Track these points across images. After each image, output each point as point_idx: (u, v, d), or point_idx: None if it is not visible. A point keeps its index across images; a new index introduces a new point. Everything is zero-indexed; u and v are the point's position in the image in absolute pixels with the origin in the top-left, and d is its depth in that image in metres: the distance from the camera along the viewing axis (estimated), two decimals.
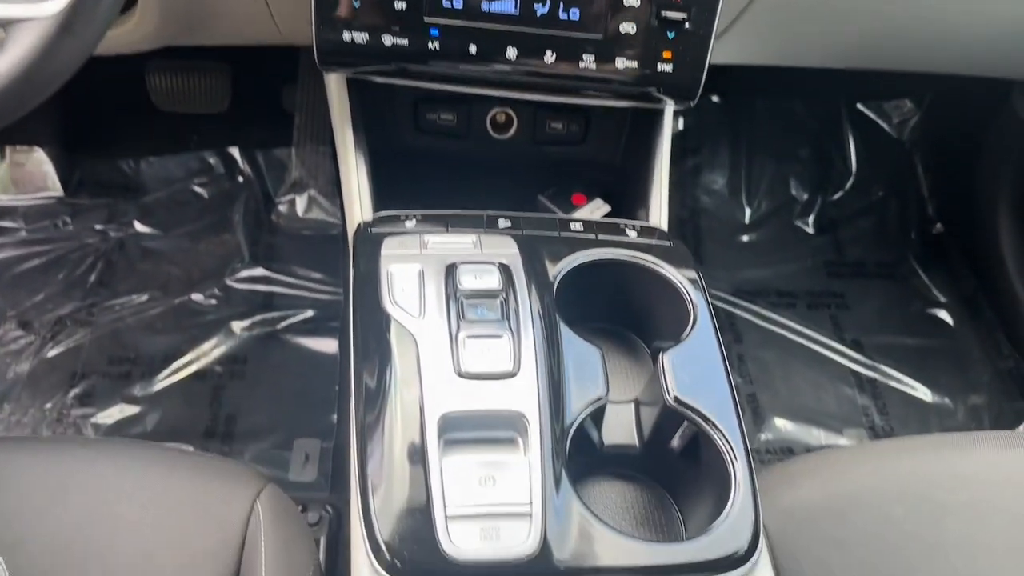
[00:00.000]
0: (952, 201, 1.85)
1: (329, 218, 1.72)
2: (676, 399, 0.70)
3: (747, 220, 1.87)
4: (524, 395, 0.68)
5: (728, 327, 1.69)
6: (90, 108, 1.75)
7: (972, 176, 1.77)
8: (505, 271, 0.77)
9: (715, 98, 1.90)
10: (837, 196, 1.88)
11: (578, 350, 0.73)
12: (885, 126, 1.89)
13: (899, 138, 1.89)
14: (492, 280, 0.76)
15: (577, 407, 0.69)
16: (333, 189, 1.73)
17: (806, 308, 1.73)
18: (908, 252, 1.84)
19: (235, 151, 1.80)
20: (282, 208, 1.75)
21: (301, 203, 1.75)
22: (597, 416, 0.72)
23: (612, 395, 0.74)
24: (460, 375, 0.69)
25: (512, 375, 0.69)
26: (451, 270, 0.77)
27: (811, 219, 1.87)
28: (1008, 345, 1.68)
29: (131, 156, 1.80)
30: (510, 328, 0.72)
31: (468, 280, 0.76)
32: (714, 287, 1.75)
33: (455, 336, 0.71)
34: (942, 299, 1.77)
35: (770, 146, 1.89)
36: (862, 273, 1.82)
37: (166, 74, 1.66)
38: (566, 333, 0.75)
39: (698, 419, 0.69)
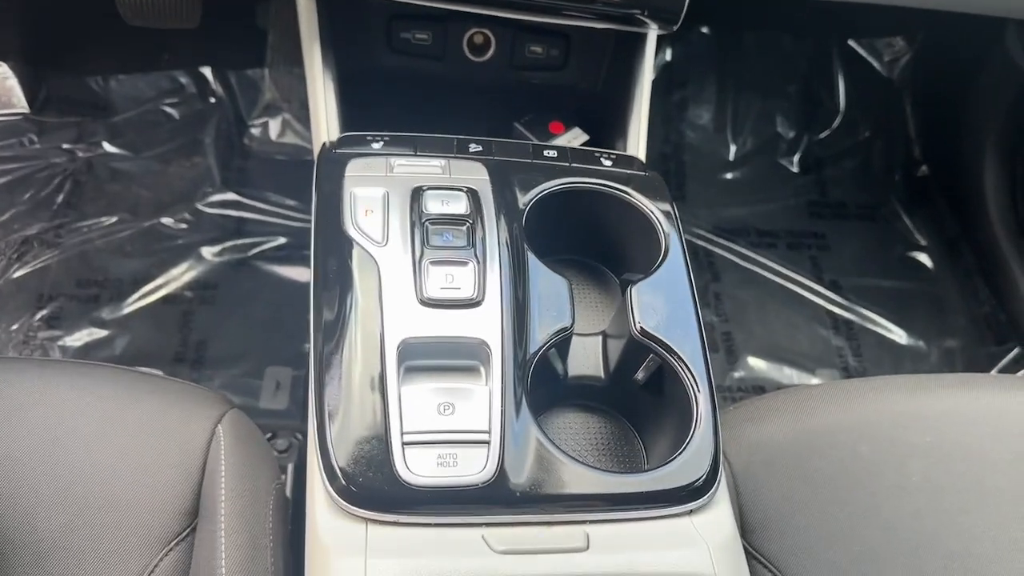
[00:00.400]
0: (939, 143, 1.82)
1: (303, 143, 1.67)
2: (642, 331, 0.68)
3: (731, 157, 1.84)
4: (487, 323, 0.66)
5: (707, 265, 1.68)
6: (57, 21, 1.68)
7: (960, 118, 1.74)
8: (473, 197, 0.75)
9: (704, 30, 1.85)
10: (823, 135, 1.85)
11: (545, 280, 0.72)
12: (876, 64, 1.85)
13: (889, 77, 1.85)
14: (459, 206, 0.74)
15: (541, 337, 0.68)
16: (307, 113, 1.68)
17: (786, 248, 1.72)
18: (891, 194, 1.82)
19: (207, 71, 1.74)
20: (255, 131, 1.71)
21: (274, 127, 1.70)
22: (562, 347, 0.71)
23: (579, 327, 0.72)
24: (422, 302, 0.67)
25: (476, 303, 0.67)
26: (417, 194, 0.74)
27: (796, 158, 1.85)
28: (986, 290, 1.68)
29: (100, 73, 1.74)
30: (476, 256, 0.70)
31: (434, 205, 0.73)
32: (695, 225, 1.73)
33: (418, 262, 0.69)
34: (923, 242, 1.76)
35: (758, 82, 1.85)
36: (844, 214, 1.80)
37: None
38: (534, 263, 0.73)
39: (663, 351, 0.68)
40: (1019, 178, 1.65)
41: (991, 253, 1.67)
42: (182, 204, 1.61)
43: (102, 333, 1.45)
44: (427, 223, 0.72)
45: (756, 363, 1.53)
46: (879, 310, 1.64)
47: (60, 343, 1.44)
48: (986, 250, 1.68)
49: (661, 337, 0.68)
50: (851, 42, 1.84)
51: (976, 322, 1.66)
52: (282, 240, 1.58)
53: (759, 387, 1.50)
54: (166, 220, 1.59)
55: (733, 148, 1.85)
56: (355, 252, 0.70)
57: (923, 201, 1.81)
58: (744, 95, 1.86)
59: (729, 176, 1.83)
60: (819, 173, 1.84)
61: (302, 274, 1.53)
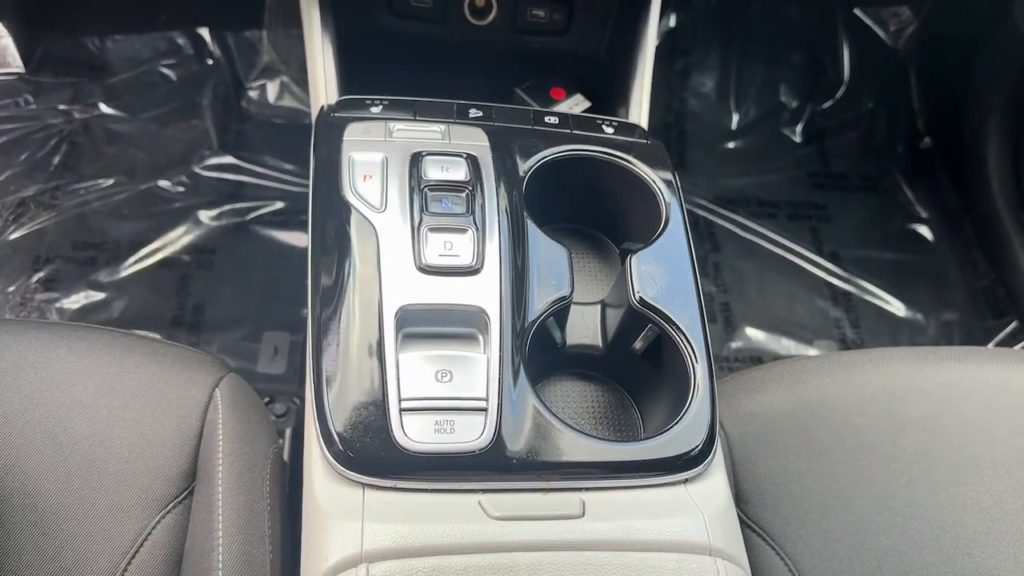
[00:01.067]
0: (942, 115, 1.81)
1: (301, 106, 1.66)
2: (641, 300, 0.68)
3: (734, 126, 1.82)
4: (486, 291, 0.66)
5: (707, 235, 1.67)
6: None
7: (965, 90, 1.72)
8: (473, 163, 0.74)
9: None
10: (827, 105, 1.84)
11: (545, 249, 0.71)
12: (881, 33, 1.83)
13: (894, 47, 1.83)
14: (459, 172, 0.73)
15: (540, 305, 0.67)
16: (306, 76, 1.66)
17: (787, 219, 1.71)
18: (893, 166, 1.81)
19: (204, 32, 1.72)
20: (252, 94, 1.69)
21: (272, 89, 1.68)
22: (561, 316, 0.71)
23: (578, 296, 0.72)
24: (421, 269, 0.67)
25: (475, 271, 0.67)
26: (416, 160, 0.73)
27: (799, 128, 1.83)
28: (985, 264, 1.67)
29: (96, 34, 1.72)
30: (475, 223, 0.70)
31: (434, 171, 0.73)
32: (696, 194, 1.72)
33: (417, 228, 0.68)
34: (924, 215, 1.75)
35: (762, 50, 1.83)
36: (845, 185, 1.79)
37: None
38: (533, 231, 0.72)
39: (661, 321, 0.68)
40: (1022, 152, 1.64)
41: (992, 227, 1.66)
42: (179, 167, 1.60)
43: (99, 296, 1.45)
44: (426, 189, 0.71)
45: (754, 334, 1.53)
46: (878, 282, 1.63)
47: (57, 305, 1.43)
48: (987, 224, 1.68)
49: (660, 307, 0.68)
50: (857, 11, 1.81)
51: (975, 295, 1.66)
52: (280, 204, 1.57)
53: (756, 358, 1.51)
54: (163, 183, 1.58)
55: (736, 117, 1.83)
56: (353, 218, 0.69)
57: (925, 173, 1.80)
58: (748, 63, 1.84)
59: (731, 145, 1.82)
60: (821, 144, 1.83)
61: (300, 239, 1.53)
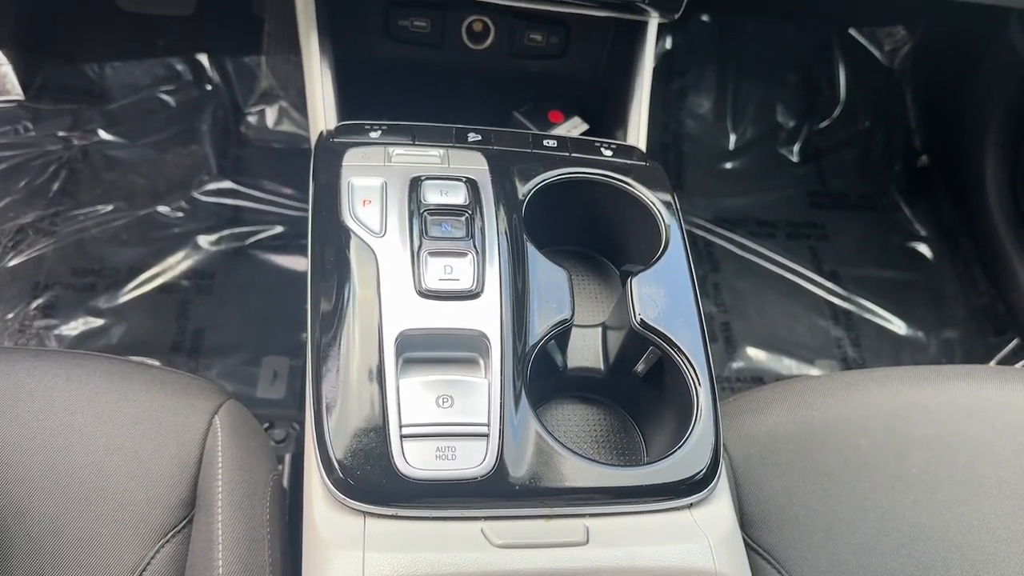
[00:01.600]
0: (939, 134, 1.82)
1: (300, 131, 1.66)
2: (642, 323, 0.68)
3: (731, 146, 1.83)
4: (486, 315, 0.66)
5: (706, 255, 1.67)
6: (52, 7, 1.67)
7: (961, 109, 1.73)
8: (472, 187, 0.74)
9: (704, 17, 1.83)
10: (823, 125, 1.85)
11: (545, 272, 0.71)
12: (876, 53, 1.84)
13: (890, 66, 1.84)
14: (458, 196, 0.73)
15: (541, 329, 0.67)
16: (304, 100, 1.67)
17: (786, 238, 1.71)
18: (891, 184, 1.82)
19: (203, 58, 1.73)
20: (251, 119, 1.69)
21: (271, 114, 1.69)
22: (562, 339, 0.70)
23: (579, 319, 0.72)
24: (420, 293, 0.66)
25: (475, 294, 0.67)
26: (415, 184, 0.73)
27: (796, 148, 1.84)
28: (985, 281, 1.67)
29: (95, 60, 1.73)
30: (475, 246, 0.69)
31: (433, 195, 0.73)
32: (694, 215, 1.73)
33: (417, 253, 0.68)
34: (923, 233, 1.76)
35: (758, 70, 1.84)
36: (844, 204, 1.80)
37: None
38: (533, 254, 0.72)
39: (663, 344, 0.67)
40: (1019, 170, 1.64)
41: (990, 244, 1.66)
42: (178, 192, 1.60)
43: (98, 322, 1.44)
44: (425, 213, 0.71)
45: (755, 353, 1.53)
46: (878, 300, 1.63)
47: (56, 332, 1.43)
48: (985, 241, 1.68)
49: (661, 329, 0.68)
50: (852, 31, 1.83)
51: (975, 313, 1.66)
52: (279, 229, 1.57)
53: (758, 378, 1.50)
54: (162, 208, 1.58)
55: (733, 137, 1.84)
56: (353, 243, 0.69)
57: (923, 191, 1.80)
58: (744, 83, 1.85)
59: (729, 165, 1.82)
60: (819, 163, 1.84)
61: (299, 263, 1.53)
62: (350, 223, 0.70)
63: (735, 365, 1.51)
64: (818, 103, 1.85)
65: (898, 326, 1.61)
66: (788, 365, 1.52)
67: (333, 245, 0.69)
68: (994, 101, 1.65)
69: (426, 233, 0.70)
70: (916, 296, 1.65)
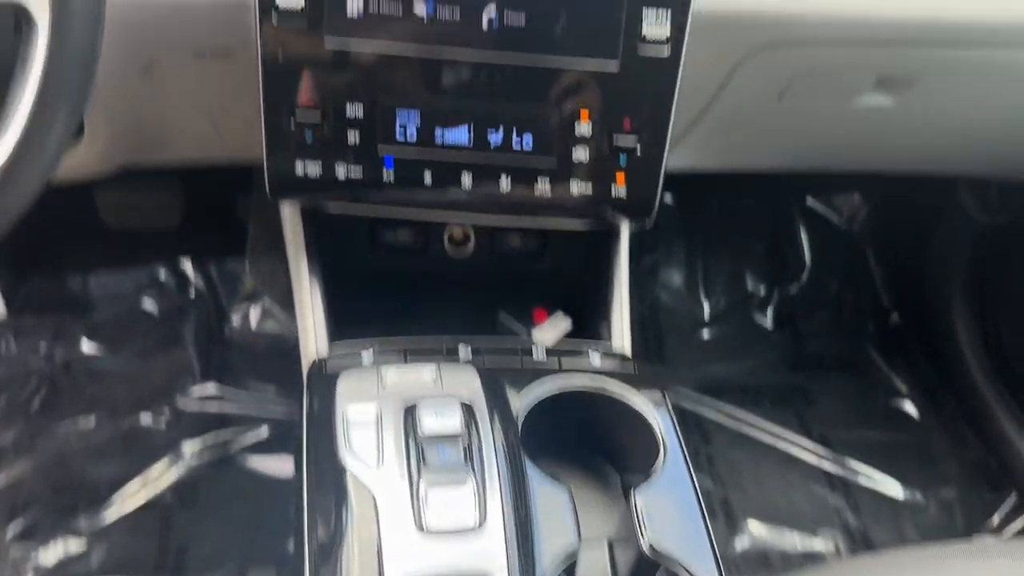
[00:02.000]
0: (906, 292, 1.87)
1: (284, 331, 1.67)
2: (652, 548, 0.67)
3: (706, 317, 1.87)
4: (491, 552, 0.64)
5: (695, 427, 1.67)
6: (38, 226, 1.71)
7: (923, 266, 1.80)
8: (468, 411, 0.74)
9: (667, 197, 1.92)
10: (793, 291, 1.90)
11: (547, 494, 0.71)
12: (835, 219, 1.92)
13: (850, 231, 1.93)
14: (454, 421, 0.73)
15: (548, 561, 0.66)
16: (288, 299, 1.69)
17: (770, 405, 1.72)
18: (867, 344, 1.85)
19: (187, 264, 1.76)
20: (235, 321, 1.71)
21: (255, 314, 1.71)
22: (569, 567, 0.69)
23: (584, 531, 0.71)
24: (421, 531, 0.65)
25: (477, 529, 0.66)
26: (410, 412, 0.74)
27: (769, 313, 1.88)
28: (973, 436, 1.68)
29: (79, 272, 1.75)
30: (474, 473, 0.69)
31: (429, 422, 0.73)
32: (678, 383, 1.73)
33: (416, 486, 0.68)
34: (904, 390, 1.77)
35: (725, 242, 1.91)
36: (823, 366, 1.82)
37: (116, 190, 1.63)
38: (532, 474, 0.72)
39: (675, 568, 0.66)
40: (989, 322, 1.69)
41: (972, 399, 1.68)
42: (161, 400, 1.59)
43: (79, 545, 1.39)
44: (422, 442, 0.71)
45: (757, 529, 1.49)
46: (871, 463, 1.62)
47: (33, 563, 1.37)
48: (967, 396, 1.70)
49: (672, 553, 0.67)
50: (810, 200, 1.92)
51: (968, 469, 1.65)
52: (264, 431, 1.55)
53: (763, 556, 1.46)
54: (145, 419, 1.56)
55: (707, 307, 1.88)
56: (349, 482, 0.68)
57: (898, 349, 1.83)
58: (713, 255, 1.91)
59: (707, 334, 1.85)
60: (793, 327, 1.87)
61: (284, 468, 1.50)
62: (345, 459, 0.70)
63: (739, 547, 1.47)
64: (786, 269, 1.91)
65: (894, 489, 1.59)
66: (792, 539, 1.49)
67: (330, 485, 0.69)
68: (954, 260, 1.71)
69: (424, 462, 0.70)
70: (908, 456, 1.65)
